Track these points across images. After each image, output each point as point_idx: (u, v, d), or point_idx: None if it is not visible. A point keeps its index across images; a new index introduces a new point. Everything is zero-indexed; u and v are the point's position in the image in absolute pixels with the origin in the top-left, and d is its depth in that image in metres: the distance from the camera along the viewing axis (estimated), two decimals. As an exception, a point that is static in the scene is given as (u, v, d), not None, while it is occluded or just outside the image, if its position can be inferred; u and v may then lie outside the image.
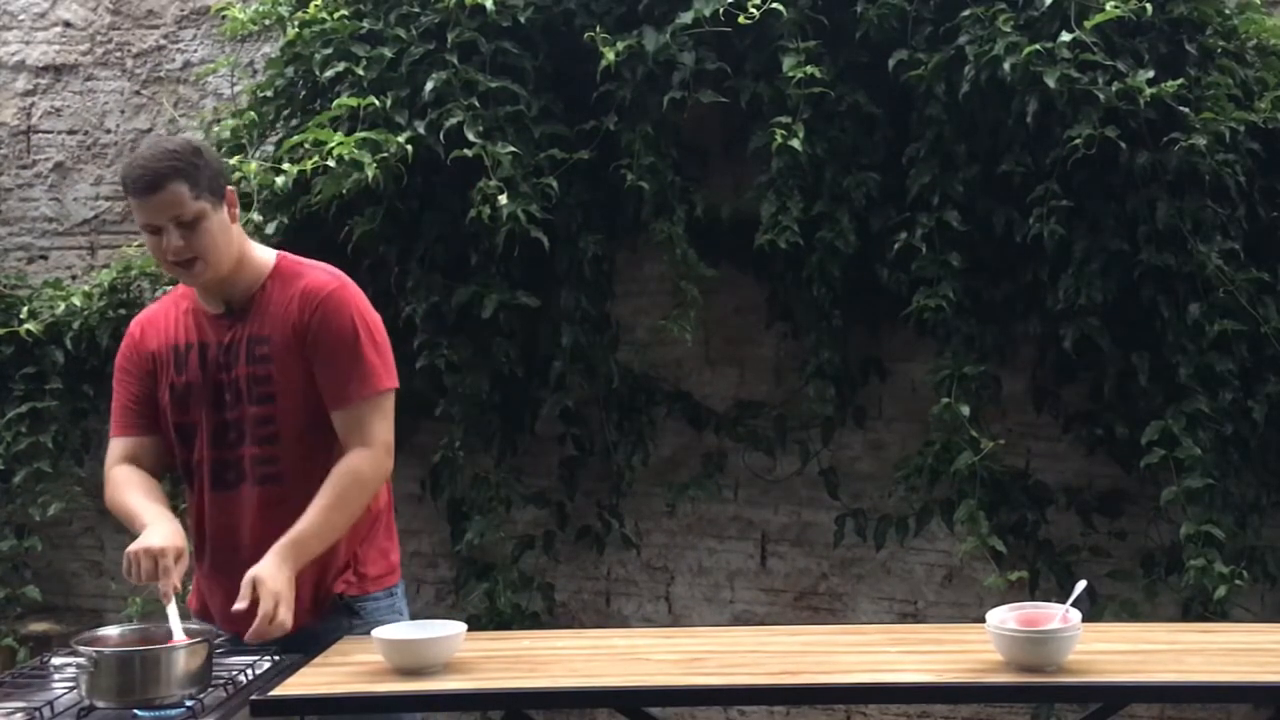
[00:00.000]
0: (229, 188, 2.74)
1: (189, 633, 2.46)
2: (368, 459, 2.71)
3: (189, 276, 2.73)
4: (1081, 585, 2.58)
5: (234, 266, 2.75)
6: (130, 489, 2.76)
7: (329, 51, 4.17)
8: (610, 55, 4.00)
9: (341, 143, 3.92)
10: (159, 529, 2.59)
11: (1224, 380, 3.81)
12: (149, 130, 4.88)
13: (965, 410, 3.91)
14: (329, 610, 2.78)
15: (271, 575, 2.57)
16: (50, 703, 2.33)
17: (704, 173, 4.36)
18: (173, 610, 2.49)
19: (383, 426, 2.75)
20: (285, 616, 2.56)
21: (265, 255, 2.83)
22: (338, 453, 2.73)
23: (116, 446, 2.86)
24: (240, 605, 2.54)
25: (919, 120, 4.02)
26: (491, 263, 4.14)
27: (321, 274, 2.81)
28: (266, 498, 2.73)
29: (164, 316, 2.87)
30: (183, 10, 4.88)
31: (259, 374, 2.73)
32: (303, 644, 2.66)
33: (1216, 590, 3.68)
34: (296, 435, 2.73)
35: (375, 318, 2.81)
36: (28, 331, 4.50)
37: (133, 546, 2.54)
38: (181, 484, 2.99)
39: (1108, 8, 3.77)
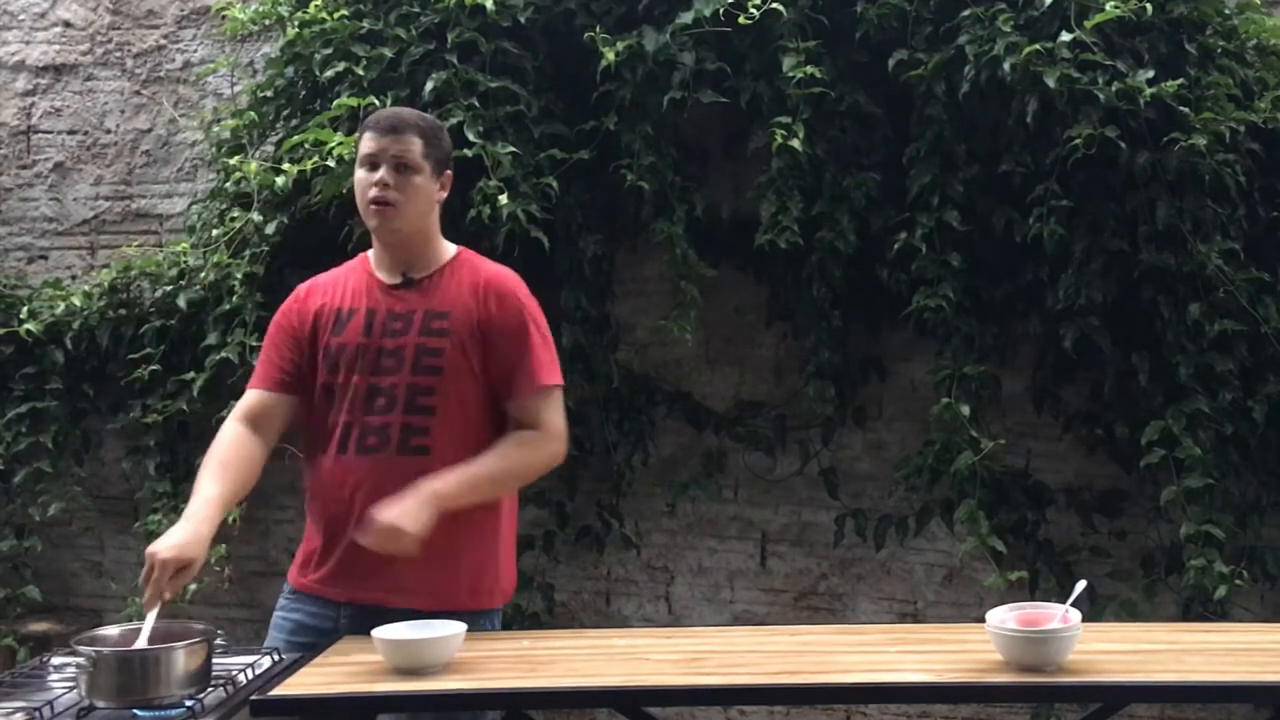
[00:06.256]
0: (449, 173, 2.93)
1: (189, 633, 2.46)
2: (540, 437, 2.83)
3: (381, 221, 2.84)
4: (1081, 585, 2.59)
5: (421, 239, 2.89)
6: (211, 461, 2.77)
7: (329, 51, 4.18)
8: (610, 55, 4.00)
9: (341, 143, 3.93)
10: (182, 530, 2.60)
11: (1224, 380, 3.82)
12: (149, 130, 4.88)
13: (965, 410, 3.91)
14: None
15: (410, 519, 2.62)
16: (50, 703, 2.33)
17: (704, 173, 4.36)
18: (150, 619, 2.46)
19: (555, 416, 2.86)
20: (404, 547, 2.62)
21: (449, 245, 2.98)
22: (489, 439, 2.81)
23: (247, 398, 2.91)
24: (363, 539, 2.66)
25: (919, 120, 4.02)
26: (491, 263, 4.15)
27: (501, 268, 2.96)
28: (410, 468, 2.74)
29: (333, 281, 2.96)
30: (183, 10, 4.87)
31: (431, 345, 2.81)
32: None
33: (1216, 590, 3.68)
34: (453, 411, 2.80)
35: (543, 317, 2.94)
36: (28, 331, 4.50)
37: (153, 545, 2.55)
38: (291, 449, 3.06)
39: (1108, 8, 3.77)
